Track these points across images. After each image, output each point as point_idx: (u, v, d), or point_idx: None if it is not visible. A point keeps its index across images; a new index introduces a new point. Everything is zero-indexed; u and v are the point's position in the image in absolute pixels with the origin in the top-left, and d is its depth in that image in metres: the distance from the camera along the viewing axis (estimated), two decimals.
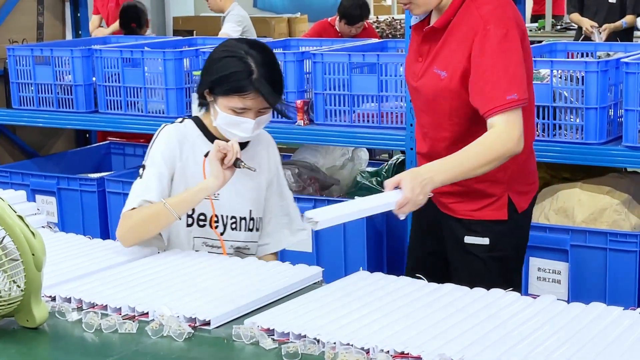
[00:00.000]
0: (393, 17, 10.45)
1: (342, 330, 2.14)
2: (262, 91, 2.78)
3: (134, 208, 2.78)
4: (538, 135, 3.65)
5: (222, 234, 2.91)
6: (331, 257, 4.11)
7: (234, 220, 2.93)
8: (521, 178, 2.94)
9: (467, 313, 2.27)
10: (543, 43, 4.69)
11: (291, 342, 2.13)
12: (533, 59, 3.81)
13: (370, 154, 4.99)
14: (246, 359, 2.13)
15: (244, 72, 2.78)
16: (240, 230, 2.94)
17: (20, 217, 2.21)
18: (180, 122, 2.95)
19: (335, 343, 2.08)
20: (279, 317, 2.23)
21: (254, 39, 2.99)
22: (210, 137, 2.89)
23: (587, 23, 7.61)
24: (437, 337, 2.11)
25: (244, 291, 2.44)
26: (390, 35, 9.63)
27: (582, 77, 3.56)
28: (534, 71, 3.72)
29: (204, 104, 2.91)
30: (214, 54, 2.89)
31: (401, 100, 4.00)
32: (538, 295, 2.41)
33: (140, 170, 2.89)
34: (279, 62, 2.89)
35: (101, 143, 5.60)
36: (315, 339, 2.10)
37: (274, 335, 2.17)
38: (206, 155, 2.81)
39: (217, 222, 2.88)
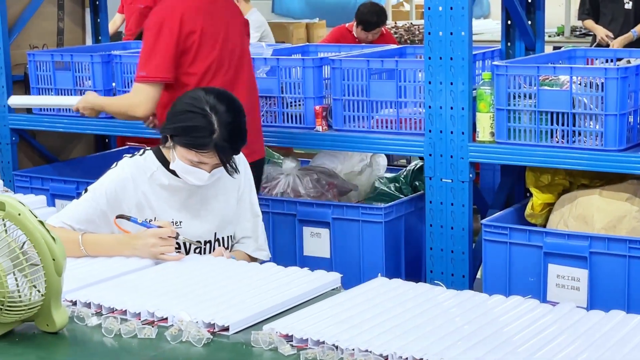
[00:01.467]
0: (411, 23, 10.44)
1: (360, 337, 2.14)
2: (220, 152, 2.82)
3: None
4: (557, 142, 3.65)
5: None
6: (349, 263, 4.10)
7: (198, 244, 2.95)
8: None
9: (486, 320, 2.27)
10: (562, 49, 4.67)
11: (310, 348, 2.14)
12: (552, 65, 3.81)
13: (388, 160, 4.99)
14: None
15: (206, 129, 2.80)
16: (206, 253, 2.96)
17: (41, 222, 2.23)
18: (141, 154, 2.98)
19: (353, 349, 2.08)
20: (298, 323, 2.24)
21: (223, 89, 2.99)
22: (170, 169, 2.93)
23: (601, 32, 7.50)
24: (456, 344, 2.10)
25: (263, 297, 2.44)
26: (408, 41, 9.62)
27: (602, 83, 3.55)
28: (553, 77, 3.72)
29: (166, 139, 2.93)
30: (179, 103, 2.90)
31: (420, 106, 3.99)
32: (557, 303, 2.41)
33: (83, 192, 2.93)
34: (245, 116, 2.90)
35: (120, 148, 5.62)
36: (333, 345, 2.11)
37: (292, 341, 2.18)
38: (118, 217, 2.86)
39: (178, 249, 2.89)
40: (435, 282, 2.54)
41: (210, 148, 2.80)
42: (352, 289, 2.53)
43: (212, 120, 2.79)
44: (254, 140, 3.69)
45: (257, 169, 3.70)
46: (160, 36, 3.58)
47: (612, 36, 7.41)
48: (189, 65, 3.61)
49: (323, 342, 2.13)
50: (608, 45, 7.27)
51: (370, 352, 2.06)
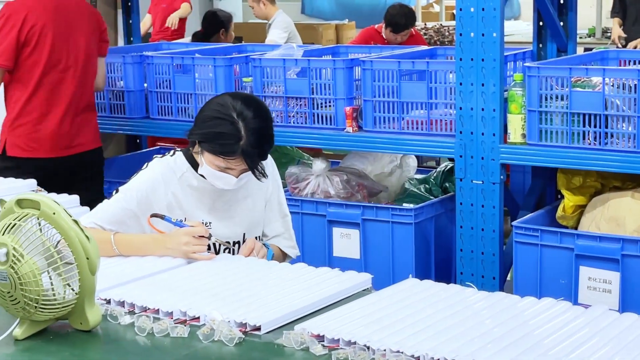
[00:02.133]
0: (441, 24, 10.42)
1: (392, 337, 2.14)
2: (247, 159, 2.82)
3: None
4: (589, 144, 3.63)
5: None
6: (378, 264, 4.10)
7: (227, 245, 2.96)
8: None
9: (517, 322, 2.26)
10: (594, 50, 4.65)
11: (341, 348, 2.14)
12: (584, 66, 3.79)
13: (418, 161, 4.98)
14: None
15: (233, 136, 2.80)
16: (235, 253, 2.97)
17: (75, 221, 2.25)
18: (172, 155, 2.99)
19: (385, 350, 2.09)
20: (329, 323, 2.24)
21: (250, 94, 3.02)
22: (197, 170, 2.94)
23: (615, 33, 7.51)
24: (488, 345, 2.10)
25: (294, 297, 2.45)
26: (438, 42, 9.60)
27: (635, 85, 3.53)
28: (586, 79, 3.70)
29: (194, 144, 2.95)
30: (207, 109, 2.90)
31: (450, 108, 3.99)
32: (589, 305, 2.40)
33: (114, 192, 2.95)
34: (272, 120, 2.91)
35: (151, 148, 5.66)
36: (365, 345, 2.11)
37: (324, 341, 2.18)
38: (152, 216, 2.87)
39: (207, 250, 2.90)
40: (467, 283, 2.54)
41: (237, 154, 2.81)
42: (384, 290, 2.53)
43: (239, 126, 2.80)
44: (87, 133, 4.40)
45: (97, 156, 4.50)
46: (4, 27, 4.17)
47: (625, 36, 7.40)
48: (28, 56, 4.19)
49: (355, 343, 2.13)
50: (624, 46, 7.26)
51: (402, 352, 2.06)
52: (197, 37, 7.07)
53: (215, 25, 7.15)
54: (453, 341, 2.12)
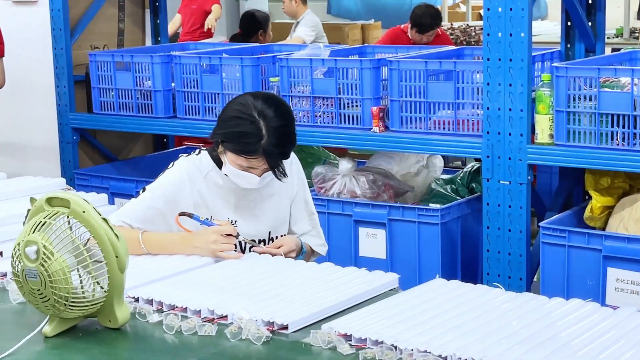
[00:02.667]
0: (467, 24, 10.37)
1: (419, 337, 2.14)
2: (268, 158, 2.82)
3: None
4: (618, 144, 3.61)
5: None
6: (404, 264, 4.10)
7: (253, 243, 2.97)
8: None
9: (545, 323, 2.25)
10: (622, 51, 4.62)
11: (368, 348, 2.14)
12: (613, 66, 3.76)
13: (444, 161, 4.97)
14: None
15: (254, 135, 2.81)
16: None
17: (104, 219, 2.27)
18: (197, 154, 3.00)
19: (412, 350, 2.09)
20: (357, 322, 2.25)
21: (272, 93, 3.03)
22: (222, 169, 2.95)
23: None
24: (515, 346, 2.10)
25: (321, 296, 2.46)
26: (464, 42, 9.56)
27: None
28: (614, 79, 3.68)
29: (217, 144, 2.96)
30: (228, 109, 2.91)
31: (478, 108, 3.98)
32: (617, 307, 2.38)
33: (141, 191, 2.96)
34: (294, 119, 2.91)
35: (177, 148, 5.68)
36: (392, 345, 2.11)
37: (351, 340, 2.18)
38: (180, 214, 2.87)
39: (234, 248, 2.91)
40: (495, 284, 2.53)
41: (258, 154, 2.82)
42: (411, 290, 2.53)
43: (260, 126, 2.81)
44: None
45: None
46: None
47: None
48: None
49: (382, 342, 2.13)
50: None
51: (429, 352, 2.07)
52: (236, 39, 7.10)
53: (253, 26, 7.18)
54: (480, 342, 2.12)
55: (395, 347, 2.11)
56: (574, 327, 2.23)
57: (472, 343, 2.11)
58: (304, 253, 3.04)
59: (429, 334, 2.16)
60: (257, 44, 5.89)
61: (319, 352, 2.17)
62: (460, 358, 2.04)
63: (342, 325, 2.23)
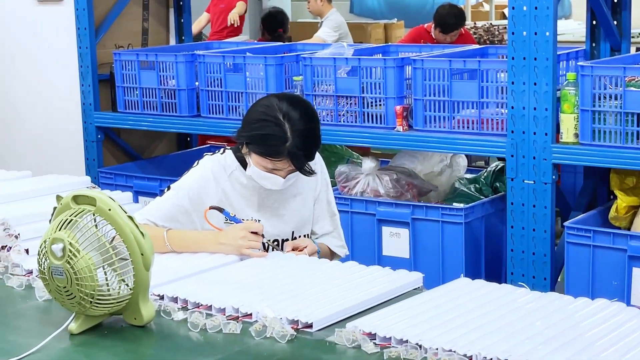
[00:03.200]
0: (491, 23, 10.32)
1: (444, 336, 2.14)
2: (293, 160, 2.82)
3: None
4: None
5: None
6: (428, 264, 4.09)
7: (276, 242, 2.97)
8: None
9: (570, 323, 2.24)
10: None
11: (393, 347, 2.14)
12: (638, 66, 3.74)
13: (467, 161, 4.95)
14: None
15: (279, 138, 2.80)
16: (284, 251, 2.97)
17: (130, 217, 2.28)
18: (222, 153, 3.01)
19: (437, 349, 2.08)
20: (381, 321, 2.24)
21: (296, 95, 3.03)
22: (246, 169, 2.96)
23: None
24: (540, 346, 2.09)
25: (345, 295, 2.46)
26: (488, 42, 9.51)
27: None
28: (637, 78, 3.66)
29: (242, 145, 2.96)
30: (253, 111, 2.91)
31: (502, 107, 3.96)
32: None
33: (166, 190, 2.97)
34: (319, 119, 2.91)
35: (201, 146, 5.70)
36: (417, 344, 2.11)
37: (375, 339, 2.18)
38: (210, 208, 2.88)
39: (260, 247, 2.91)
40: (519, 283, 2.52)
41: (283, 156, 2.82)
42: (435, 289, 2.52)
43: (285, 128, 2.81)
44: None
45: None
46: None
47: None
48: None
49: (406, 341, 2.13)
50: None
51: (454, 351, 2.06)
52: (264, 38, 7.18)
53: (276, 24, 7.22)
54: (505, 341, 2.11)
55: (420, 346, 2.10)
56: (599, 327, 2.22)
57: (496, 342, 2.10)
58: (318, 254, 3.04)
59: (454, 333, 2.16)
60: (280, 43, 5.91)
61: (343, 351, 2.17)
62: (485, 357, 2.04)
63: (367, 324, 2.22)
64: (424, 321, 2.24)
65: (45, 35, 5.24)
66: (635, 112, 3.58)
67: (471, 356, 2.05)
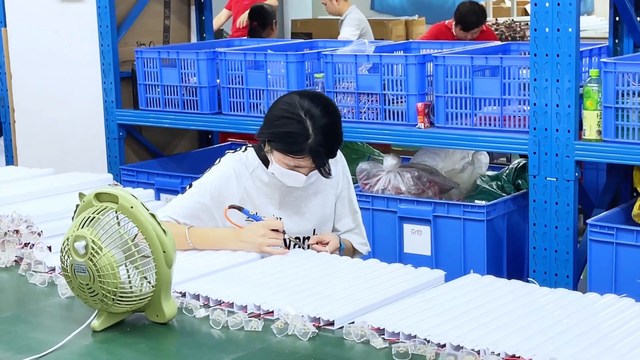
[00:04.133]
0: (512, 20, 10.30)
1: (452, 332, 2.14)
2: (315, 157, 2.82)
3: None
4: None
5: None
6: (449, 261, 4.08)
7: (297, 240, 2.97)
8: None
9: (579, 318, 2.24)
10: None
11: (401, 342, 2.14)
12: None
13: (489, 158, 4.93)
14: (357, 357, 2.14)
15: (301, 135, 2.80)
16: (305, 249, 2.97)
17: (152, 215, 2.28)
18: (243, 151, 3.01)
19: (445, 344, 2.08)
20: (390, 316, 2.25)
21: (318, 92, 3.05)
22: (268, 167, 2.96)
23: None
24: (549, 341, 2.09)
25: (367, 292, 2.45)
26: (509, 38, 9.49)
27: None
28: None
29: (264, 143, 2.96)
30: (275, 108, 2.91)
31: (524, 104, 3.94)
32: None
33: (187, 187, 2.97)
34: (341, 116, 2.91)
35: (222, 144, 5.70)
36: (425, 339, 2.11)
37: (384, 334, 2.18)
38: (230, 207, 2.87)
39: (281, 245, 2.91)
40: (529, 279, 2.52)
41: (305, 153, 2.82)
42: (444, 285, 2.54)
43: (307, 125, 2.81)
44: None
45: None
46: None
47: None
48: None
49: (415, 336, 2.13)
50: None
51: (462, 347, 2.06)
52: (254, 32, 7.16)
53: (267, 18, 7.21)
54: (514, 336, 2.12)
55: (428, 341, 2.11)
56: (608, 322, 2.21)
57: (505, 337, 2.11)
58: (342, 250, 3.04)
59: (462, 329, 2.16)
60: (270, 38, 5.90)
61: (366, 350, 2.17)
62: (493, 352, 2.04)
63: (375, 319, 2.23)
64: (432, 316, 2.25)
65: (67, 33, 5.26)
66: None
67: (479, 351, 2.05)
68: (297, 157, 2.84)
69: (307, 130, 2.80)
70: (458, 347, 2.06)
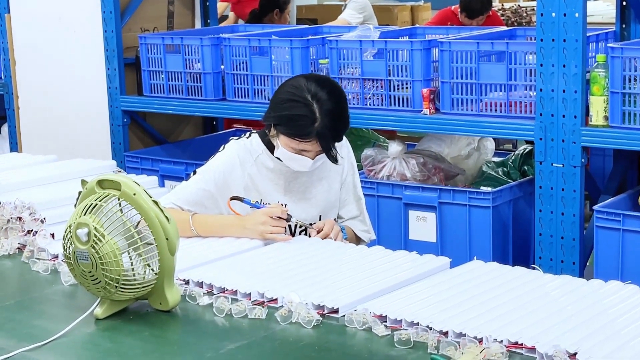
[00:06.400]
0: (519, 5, 10.24)
1: (455, 319, 2.13)
2: (321, 141, 2.80)
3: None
4: None
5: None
6: (455, 248, 4.06)
7: (307, 225, 2.95)
8: None
9: (583, 305, 2.23)
10: None
11: (403, 329, 2.13)
12: None
13: (495, 144, 4.90)
14: (360, 344, 2.13)
15: (308, 118, 2.79)
16: (310, 235, 2.95)
17: (155, 202, 2.27)
18: (248, 137, 2.99)
19: (448, 331, 2.07)
20: (392, 304, 2.24)
21: (324, 75, 3.03)
22: (274, 152, 2.94)
23: None
24: (552, 328, 2.08)
25: (372, 280, 2.44)
26: (515, 23, 9.43)
27: None
28: None
29: (269, 127, 2.94)
30: (281, 92, 2.89)
31: (530, 90, 3.92)
32: None
33: (192, 174, 2.96)
34: (347, 100, 2.89)
35: (227, 130, 5.69)
36: (428, 326, 2.10)
37: (386, 322, 2.17)
38: (231, 199, 2.86)
39: (284, 230, 2.89)
40: (532, 266, 2.50)
41: (312, 136, 2.81)
42: (447, 271, 2.53)
43: (313, 108, 2.79)
44: None
45: None
46: None
47: None
48: None
49: (417, 324, 2.12)
50: None
51: (465, 334, 2.05)
52: (253, 15, 7.10)
53: (269, 4, 7.16)
54: (516, 323, 2.11)
55: (431, 329, 2.10)
56: (612, 309, 2.20)
57: (508, 325, 2.10)
58: (344, 238, 3.02)
59: (465, 316, 2.15)
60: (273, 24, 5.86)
61: (369, 337, 2.15)
62: (496, 339, 2.02)
63: (378, 307, 2.22)
64: (434, 303, 2.24)
65: (71, 19, 5.23)
66: None
67: (481, 338, 2.04)
68: (304, 141, 2.82)
69: (314, 114, 2.79)
70: (460, 334, 2.05)
